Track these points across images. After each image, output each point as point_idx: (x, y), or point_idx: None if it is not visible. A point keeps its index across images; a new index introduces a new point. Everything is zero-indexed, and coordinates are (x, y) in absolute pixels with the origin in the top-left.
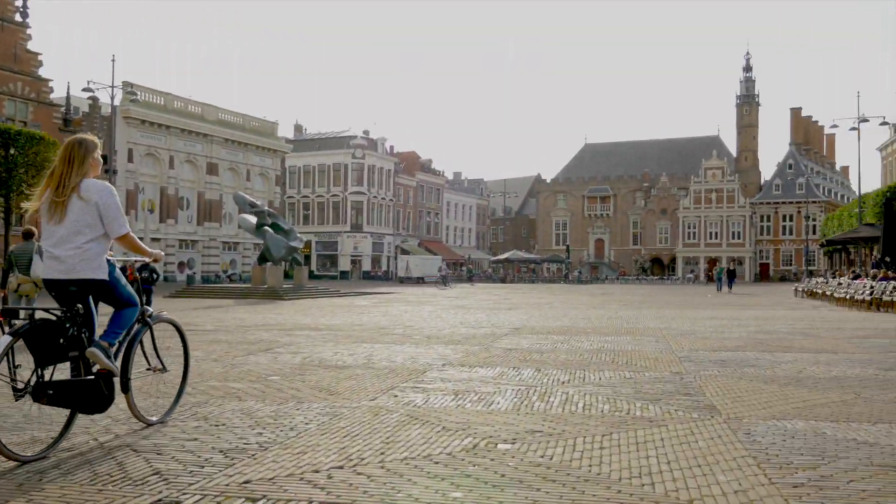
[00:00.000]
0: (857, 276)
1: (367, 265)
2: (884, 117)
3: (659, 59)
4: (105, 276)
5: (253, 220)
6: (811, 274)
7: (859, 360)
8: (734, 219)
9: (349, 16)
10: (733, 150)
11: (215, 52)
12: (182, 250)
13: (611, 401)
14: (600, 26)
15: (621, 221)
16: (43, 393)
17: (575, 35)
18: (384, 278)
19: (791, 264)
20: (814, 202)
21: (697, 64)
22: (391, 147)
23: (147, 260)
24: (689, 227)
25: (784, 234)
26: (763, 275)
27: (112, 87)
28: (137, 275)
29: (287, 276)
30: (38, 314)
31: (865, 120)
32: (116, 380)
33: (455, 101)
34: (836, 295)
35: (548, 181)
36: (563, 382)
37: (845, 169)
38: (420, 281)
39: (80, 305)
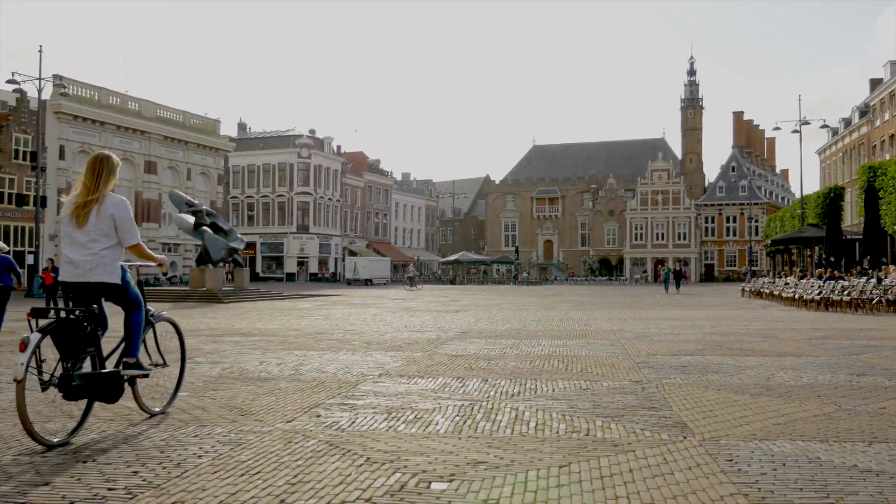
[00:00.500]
0: (803, 276)
1: (314, 267)
2: (824, 120)
3: (606, 62)
4: (118, 280)
5: (191, 219)
6: (755, 274)
7: (827, 364)
8: (680, 220)
9: (295, 15)
10: (678, 153)
11: (156, 48)
12: None
13: (566, 418)
14: (550, 28)
15: (570, 223)
16: (68, 384)
17: (524, 36)
18: (332, 280)
19: (735, 265)
20: (756, 204)
21: (644, 67)
22: (338, 147)
23: (151, 265)
24: (636, 229)
25: (728, 235)
26: (708, 275)
27: (39, 79)
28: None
29: (232, 278)
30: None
31: (807, 123)
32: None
33: (404, 102)
34: (784, 295)
35: (496, 182)
36: (513, 395)
37: (785, 172)
38: (368, 283)
39: (95, 306)
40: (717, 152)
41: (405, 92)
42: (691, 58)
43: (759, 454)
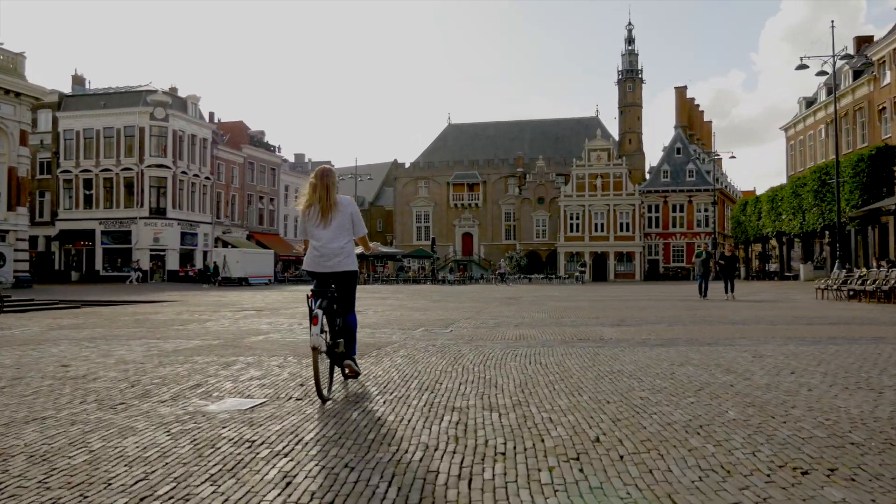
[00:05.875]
0: None
1: (173, 262)
2: (869, 57)
3: (530, 34)
4: (357, 268)
5: None
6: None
7: None
8: (622, 208)
9: None
10: (615, 134)
11: None
12: None
13: None
14: None
15: (492, 212)
16: (333, 351)
17: (434, 4)
18: (198, 280)
19: (682, 260)
20: (706, 190)
21: (575, 40)
22: (211, 114)
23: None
24: (571, 218)
25: (674, 226)
26: (652, 272)
27: None
28: None
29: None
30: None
31: (849, 56)
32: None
33: (298, 74)
34: None
35: (407, 166)
36: None
37: (718, 161)
38: (243, 283)
39: (333, 286)
40: (655, 137)
41: (300, 63)
42: (629, 24)
43: None
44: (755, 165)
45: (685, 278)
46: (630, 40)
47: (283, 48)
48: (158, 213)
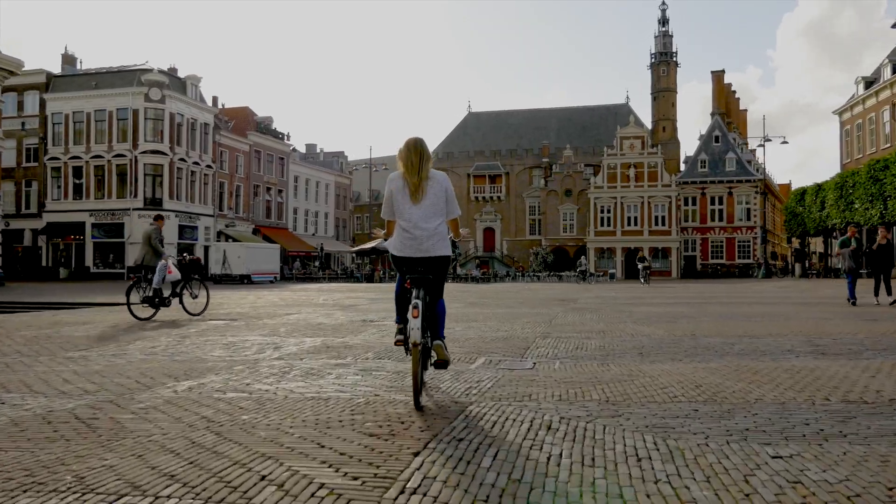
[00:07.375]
0: None
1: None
2: None
3: (554, 19)
4: (450, 253)
5: None
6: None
7: None
8: (657, 200)
9: None
10: (647, 122)
11: None
12: None
13: None
14: None
15: (515, 206)
16: (426, 349)
17: None
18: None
19: (721, 257)
20: (747, 181)
21: (601, 23)
22: (214, 98)
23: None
24: (601, 211)
25: (713, 219)
26: (689, 270)
27: None
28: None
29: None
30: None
31: None
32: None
33: (310, 65)
34: None
35: None
36: None
37: (753, 152)
38: (245, 280)
39: (421, 270)
40: (687, 127)
41: (310, 51)
42: (663, 3)
43: None
44: (776, 161)
45: (726, 276)
46: (664, 21)
47: (293, 34)
48: (154, 203)
